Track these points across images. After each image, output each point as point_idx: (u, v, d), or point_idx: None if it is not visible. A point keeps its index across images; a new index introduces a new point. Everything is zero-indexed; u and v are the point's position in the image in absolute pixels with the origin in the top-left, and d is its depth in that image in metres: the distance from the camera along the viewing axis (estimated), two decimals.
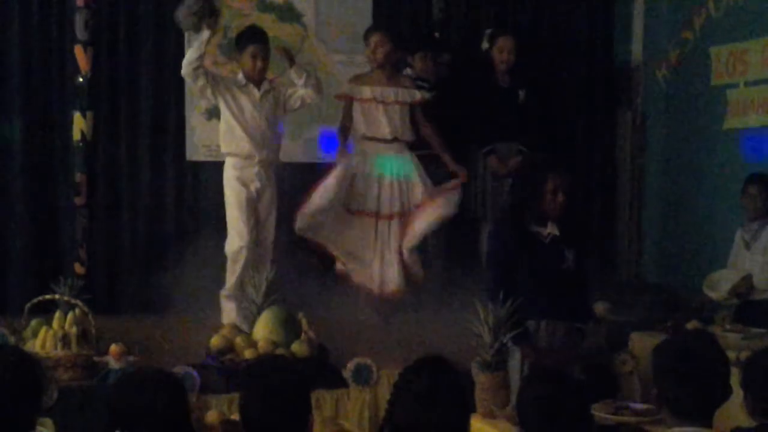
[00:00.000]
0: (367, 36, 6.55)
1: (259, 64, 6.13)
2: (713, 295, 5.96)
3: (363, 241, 6.49)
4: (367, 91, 6.49)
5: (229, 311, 6.11)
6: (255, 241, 6.14)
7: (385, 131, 6.49)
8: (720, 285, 5.97)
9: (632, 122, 7.85)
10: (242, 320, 5.70)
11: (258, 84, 6.18)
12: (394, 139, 6.51)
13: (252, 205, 6.15)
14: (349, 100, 6.54)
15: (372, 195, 6.48)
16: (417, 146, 6.61)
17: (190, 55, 5.99)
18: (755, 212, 6.08)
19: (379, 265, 6.43)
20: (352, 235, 6.48)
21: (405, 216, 6.47)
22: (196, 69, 5.99)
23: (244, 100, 6.16)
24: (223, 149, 6.22)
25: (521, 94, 7.00)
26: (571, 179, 4.90)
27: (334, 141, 6.65)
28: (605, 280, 7.28)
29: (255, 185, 6.17)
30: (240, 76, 6.20)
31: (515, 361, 4.70)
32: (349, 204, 6.48)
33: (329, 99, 6.80)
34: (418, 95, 6.54)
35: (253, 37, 6.18)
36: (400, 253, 6.44)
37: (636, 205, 7.87)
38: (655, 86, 7.71)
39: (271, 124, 6.23)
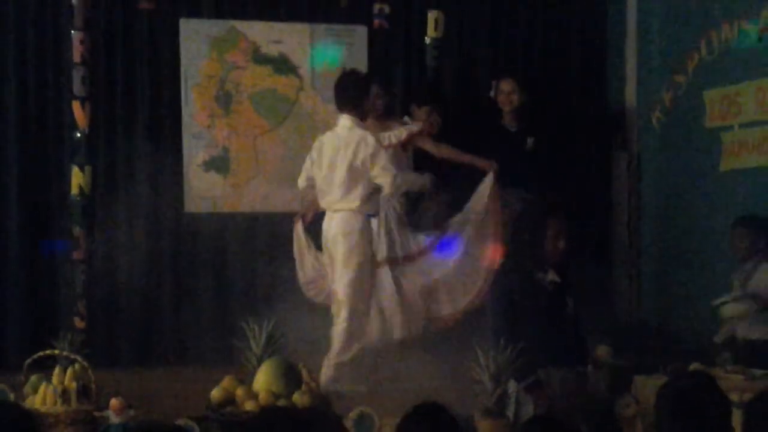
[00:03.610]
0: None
1: None
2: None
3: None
4: None
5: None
6: None
7: None
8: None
9: (627, 166, 7.88)
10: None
11: None
12: None
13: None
14: None
15: None
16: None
17: None
18: (743, 254, 6.15)
19: (379, 313, 6.30)
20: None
21: (400, 262, 6.34)
22: None
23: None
24: (369, 209, 6.10)
25: (529, 141, 6.99)
26: (569, 225, 4.91)
27: None
28: (605, 323, 7.26)
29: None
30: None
31: (528, 410, 4.65)
32: None
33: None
34: (404, 133, 6.39)
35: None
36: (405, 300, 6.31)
37: (633, 248, 7.86)
38: (649, 129, 7.74)
39: None
